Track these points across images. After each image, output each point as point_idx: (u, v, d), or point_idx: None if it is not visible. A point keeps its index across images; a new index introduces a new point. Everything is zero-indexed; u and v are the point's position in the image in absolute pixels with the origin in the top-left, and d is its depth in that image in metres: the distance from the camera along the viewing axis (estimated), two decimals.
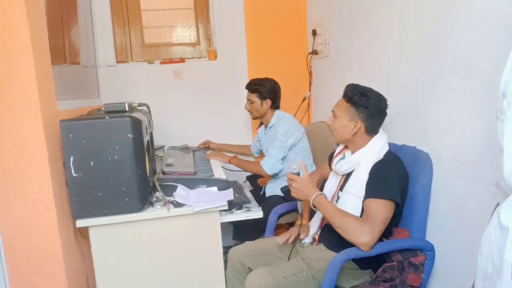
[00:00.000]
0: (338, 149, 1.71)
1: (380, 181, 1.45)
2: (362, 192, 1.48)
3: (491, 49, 1.23)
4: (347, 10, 2.29)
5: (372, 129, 1.55)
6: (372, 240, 1.35)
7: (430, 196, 1.54)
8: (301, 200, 1.58)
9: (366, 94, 1.52)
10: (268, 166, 2.26)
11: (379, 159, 1.51)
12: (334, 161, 1.66)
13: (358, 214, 1.47)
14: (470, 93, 1.33)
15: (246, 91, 2.49)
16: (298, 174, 1.54)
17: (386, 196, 1.41)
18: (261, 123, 2.60)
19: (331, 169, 1.76)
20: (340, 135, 1.59)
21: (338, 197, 1.57)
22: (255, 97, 2.42)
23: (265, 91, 2.41)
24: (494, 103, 1.21)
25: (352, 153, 1.59)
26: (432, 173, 1.53)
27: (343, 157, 1.63)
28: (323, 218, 1.68)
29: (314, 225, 1.72)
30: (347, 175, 1.59)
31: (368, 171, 1.49)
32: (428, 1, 1.53)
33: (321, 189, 1.74)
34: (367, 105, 1.52)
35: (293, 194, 1.55)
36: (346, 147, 1.67)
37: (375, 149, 1.53)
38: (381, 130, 1.59)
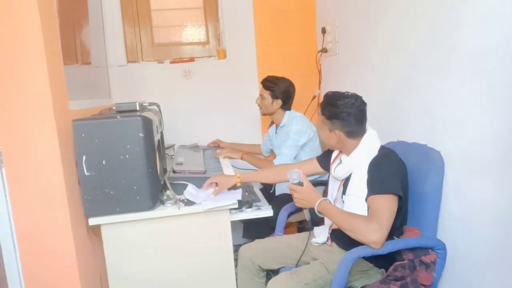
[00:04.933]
0: (334, 155, 1.71)
1: (379, 177, 1.45)
2: (365, 192, 1.47)
3: (500, 47, 1.21)
4: (356, 7, 2.27)
5: (354, 133, 1.55)
6: (382, 237, 1.35)
7: (441, 194, 1.53)
8: (306, 209, 1.59)
9: (335, 104, 1.53)
10: (280, 164, 2.26)
11: (374, 155, 1.51)
12: (332, 167, 1.66)
13: (366, 213, 1.46)
14: (480, 91, 1.31)
15: (257, 88, 2.49)
16: (299, 183, 1.53)
17: (387, 191, 1.41)
18: (272, 123, 2.60)
19: (321, 168, 1.78)
20: (329, 144, 1.64)
21: (343, 201, 1.57)
22: (267, 94, 2.42)
23: (278, 90, 2.40)
24: (505, 100, 1.20)
25: (348, 155, 1.59)
26: (444, 171, 1.51)
27: (340, 162, 1.63)
28: None
29: (326, 225, 1.72)
30: (346, 178, 1.59)
31: (366, 169, 1.49)
32: None
33: (325, 195, 1.74)
34: (338, 116, 1.53)
35: (297, 204, 1.55)
36: (341, 151, 1.67)
37: (367, 147, 1.54)
38: (369, 128, 1.59)
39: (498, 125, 1.24)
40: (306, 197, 1.51)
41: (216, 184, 1.75)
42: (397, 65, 1.85)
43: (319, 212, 1.50)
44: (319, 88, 2.92)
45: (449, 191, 1.50)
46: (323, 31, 2.75)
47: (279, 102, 2.41)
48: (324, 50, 2.77)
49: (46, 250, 1.51)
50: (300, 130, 2.30)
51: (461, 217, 1.45)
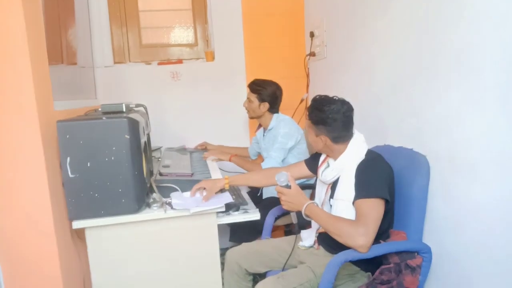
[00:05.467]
0: (321, 158, 1.72)
1: (366, 181, 1.46)
2: (352, 196, 1.48)
3: (488, 48, 1.23)
4: (345, 12, 2.29)
5: (340, 138, 1.56)
6: (368, 241, 1.35)
7: (427, 198, 1.54)
8: (294, 211, 1.58)
9: (322, 109, 1.54)
10: (268, 167, 2.25)
11: (361, 159, 1.52)
12: (320, 171, 1.67)
13: (354, 217, 1.47)
14: (467, 93, 1.33)
15: (245, 91, 2.49)
16: (286, 186, 1.53)
17: (374, 195, 1.42)
18: (260, 126, 2.60)
19: (310, 171, 1.79)
20: (316, 148, 1.65)
21: (331, 205, 1.57)
22: (254, 97, 2.42)
23: (265, 94, 2.40)
24: (492, 102, 1.22)
25: (335, 159, 1.59)
26: (429, 176, 1.53)
27: (328, 166, 1.64)
28: None
29: (313, 229, 1.72)
30: (333, 182, 1.59)
31: (354, 173, 1.50)
32: (425, 1, 1.53)
33: (312, 198, 1.74)
34: (324, 121, 1.53)
35: (284, 206, 1.55)
36: (328, 155, 1.67)
37: (354, 151, 1.54)
38: (355, 131, 1.60)
39: (486, 127, 1.26)
40: (294, 199, 1.51)
41: (204, 189, 1.73)
42: (384, 68, 1.87)
43: (306, 215, 1.50)
44: (307, 92, 2.93)
45: (436, 193, 1.52)
46: (311, 35, 2.76)
47: (266, 105, 2.41)
48: (312, 54, 2.79)
49: (28, 253, 1.48)
50: (287, 133, 2.31)
51: (448, 219, 1.46)
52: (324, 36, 2.58)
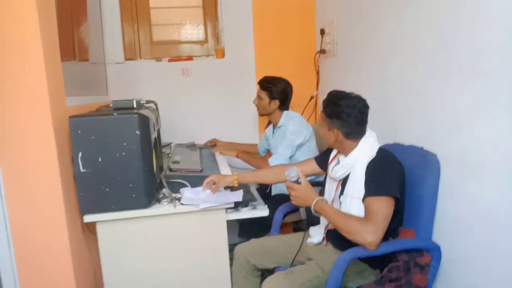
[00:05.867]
0: (332, 154, 1.71)
1: (377, 179, 1.45)
2: (362, 193, 1.47)
3: (499, 50, 1.22)
4: (356, 9, 2.28)
5: (352, 135, 1.55)
6: (377, 239, 1.35)
7: (437, 197, 1.53)
8: (303, 207, 1.58)
9: (338, 103, 1.53)
10: (275, 164, 2.26)
11: (372, 157, 1.51)
12: (330, 167, 1.67)
13: (363, 214, 1.47)
14: (478, 94, 1.32)
15: (255, 88, 2.49)
16: (297, 181, 1.53)
17: (385, 193, 1.41)
18: (269, 123, 2.60)
19: (320, 168, 1.78)
20: (327, 142, 1.64)
21: (340, 202, 1.57)
22: (264, 95, 2.42)
23: (275, 91, 2.40)
24: (502, 103, 1.21)
25: (345, 156, 1.59)
26: (440, 174, 1.52)
27: (338, 162, 1.63)
28: None
29: (322, 225, 1.72)
30: (344, 179, 1.59)
31: (364, 171, 1.49)
32: (437, 1, 1.51)
33: (321, 195, 1.74)
34: (339, 115, 1.52)
35: (294, 202, 1.55)
36: (339, 151, 1.67)
37: (366, 149, 1.53)
38: (368, 129, 1.59)
39: (497, 129, 1.25)
40: (303, 195, 1.52)
41: (214, 183, 1.75)
42: (396, 67, 1.85)
43: (316, 211, 1.50)
44: (317, 89, 2.93)
45: (445, 193, 1.51)
46: (322, 32, 2.75)
47: (276, 103, 2.41)
48: (322, 51, 2.78)
49: (40, 246, 1.51)
50: (296, 130, 2.30)
51: (457, 220, 1.45)
52: (335, 33, 2.57)
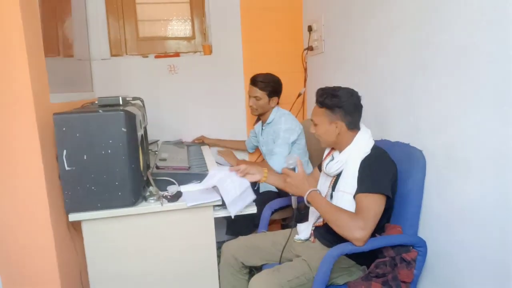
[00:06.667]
0: (326, 152, 1.72)
1: (370, 176, 1.46)
2: (354, 189, 1.48)
3: (485, 47, 1.23)
4: (343, 6, 2.28)
5: (354, 125, 1.58)
6: (365, 235, 1.36)
7: (423, 192, 1.55)
8: (295, 196, 1.59)
9: (336, 94, 1.55)
10: (277, 165, 2.24)
11: (366, 154, 1.53)
12: (324, 163, 1.67)
13: (353, 210, 1.48)
14: (464, 91, 1.34)
15: (243, 85, 2.47)
16: (294, 169, 1.55)
17: (377, 190, 1.43)
18: (258, 119, 2.60)
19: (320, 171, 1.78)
20: (326, 139, 1.62)
21: (332, 197, 1.58)
22: (263, 94, 2.39)
23: (274, 88, 2.39)
24: (488, 100, 1.23)
25: (340, 152, 1.60)
26: (426, 170, 1.54)
27: (332, 159, 1.64)
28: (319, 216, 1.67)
29: (309, 222, 1.73)
30: (337, 175, 1.60)
31: (357, 167, 1.50)
32: None
33: None
34: (341, 104, 1.54)
35: (287, 189, 1.56)
36: (333, 148, 1.68)
37: (360, 145, 1.55)
38: (363, 126, 1.61)
39: (482, 125, 1.27)
40: (298, 183, 1.53)
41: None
42: (382, 64, 1.87)
43: (308, 202, 1.50)
44: (305, 86, 2.93)
45: (431, 189, 1.53)
46: (309, 29, 2.75)
47: (275, 100, 2.41)
48: (310, 48, 2.78)
49: (25, 246, 1.48)
50: (289, 128, 2.30)
51: (443, 215, 1.48)
52: (322, 30, 2.58)
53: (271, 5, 2.90)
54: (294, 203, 1.63)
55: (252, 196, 1.72)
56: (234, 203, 1.64)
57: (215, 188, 1.67)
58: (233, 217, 1.64)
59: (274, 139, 2.34)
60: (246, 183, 1.71)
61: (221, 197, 1.62)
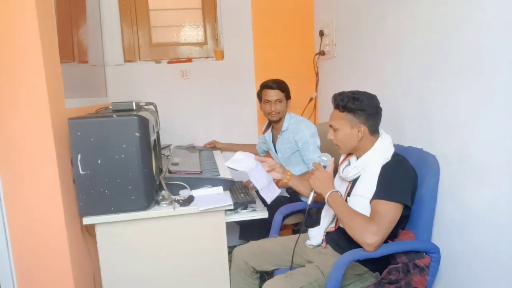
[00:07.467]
0: (342, 157, 1.71)
1: (390, 183, 1.44)
2: (371, 194, 1.47)
3: (498, 50, 1.22)
4: (355, 11, 2.28)
5: (375, 128, 1.56)
6: (377, 241, 1.35)
7: (436, 198, 1.53)
8: (315, 193, 1.58)
9: (357, 97, 1.52)
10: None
11: (387, 160, 1.51)
12: (340, 168, 1.66)
13: (368, 215, 1.46)
14: (476, 94, 1.32)
15: (254, 90, 2.45)
16: (324, 167, 1.58)
17: (396, 199, 1.40)
18: (269, 126, 2.57)
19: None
20: (347, 144, 1.57)
21: (346, 201, 1.56)
22: (283, 97, 2.38)
23: (288, 91, 2.40)
24: (501, 103, 1.21)
25: (358, 157, 1.58)
26: (439, 175, 1.52)
27: (349, 164, 1.63)
28: (336, 220, 1.66)
29: (321, 227, 1.71)
30: (354, 180, 1.58)
31: (377, 173, 1.48)
32: (435, 2, 1.52)
33: None
34: (363, 107, 1.52)
35: (311, 181, 1.56)
36: (349, 154, 1.66)
37: (381, 151, 1.52)
38: (383, 131, 1.59)
39: (495, 129, 1.25)
40: (323, 180, 1.53)
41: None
42: (394, 68, 1.86)
43: (327, 202, 1.50)
44: (316, 91, 2.93)
45: (445, 195, 1.51)
46: (321, 33, 2.75)
47: (289, 102, 2.41)
48: (321, 53, 2.78)
49: (39, 249, 1.51)
50: (314, 132, 2.29)
51: (457, 220, 1.45)
52: (334, 35, 2.57)
53: (283, 10, 2.91)
54: (310, 201, 1.59)
55: (277, 190, 1.73)
56: (266, 192, 1.66)
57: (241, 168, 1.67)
58: (269, 203, 1.66)
59: (300, 149, 2.29)
60: (270, 176, 1.73)
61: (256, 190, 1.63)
